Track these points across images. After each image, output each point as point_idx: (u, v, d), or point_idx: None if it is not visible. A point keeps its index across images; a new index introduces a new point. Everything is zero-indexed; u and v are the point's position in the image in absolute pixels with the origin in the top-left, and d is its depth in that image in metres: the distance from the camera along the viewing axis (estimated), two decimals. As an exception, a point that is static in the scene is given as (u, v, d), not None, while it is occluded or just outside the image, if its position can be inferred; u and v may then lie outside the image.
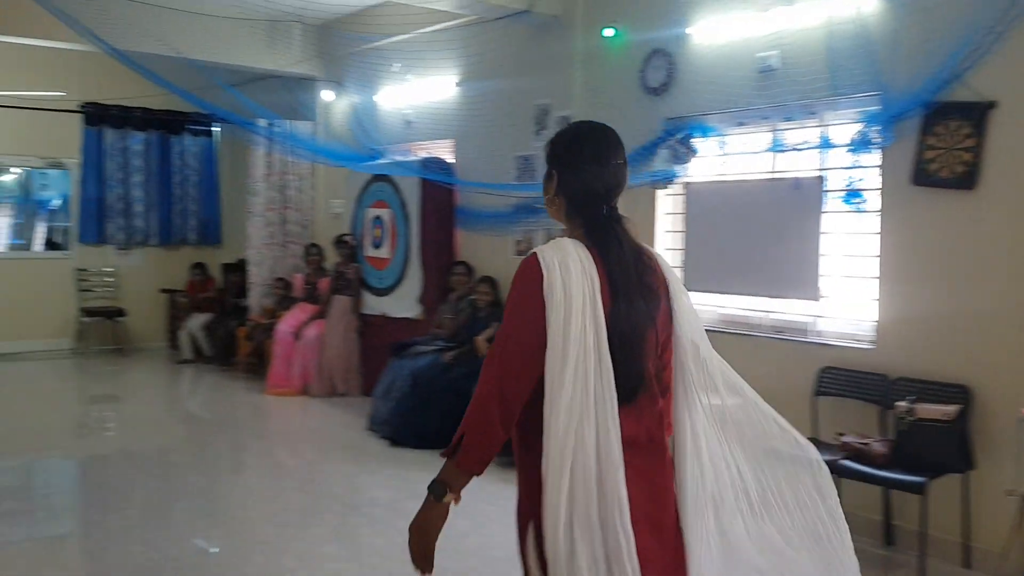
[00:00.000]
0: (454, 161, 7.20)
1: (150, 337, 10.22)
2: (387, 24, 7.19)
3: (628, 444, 1.82)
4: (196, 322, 9.29)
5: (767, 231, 4.90)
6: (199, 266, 9.82)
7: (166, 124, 10.13)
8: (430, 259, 7.16)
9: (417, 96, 7.56)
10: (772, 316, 4.98)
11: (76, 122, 9.60)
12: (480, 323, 6.26)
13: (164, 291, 10.16)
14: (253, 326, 8.47)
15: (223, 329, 8.92)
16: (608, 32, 5.64)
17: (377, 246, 7.77)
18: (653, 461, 1.90)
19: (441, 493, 1.84)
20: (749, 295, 5.09)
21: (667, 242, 5.54)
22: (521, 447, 1.92)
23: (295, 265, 8.81)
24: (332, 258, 8.14)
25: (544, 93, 6.21)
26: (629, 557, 1.75)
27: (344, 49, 8.11)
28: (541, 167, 6.19)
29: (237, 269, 9.46)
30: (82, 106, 9.54)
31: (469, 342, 6.21)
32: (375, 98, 8.06)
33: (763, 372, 4.84)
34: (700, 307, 5.39)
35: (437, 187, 7.00)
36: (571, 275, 1.82)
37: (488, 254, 6.76)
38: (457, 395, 5.85)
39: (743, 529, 1.96)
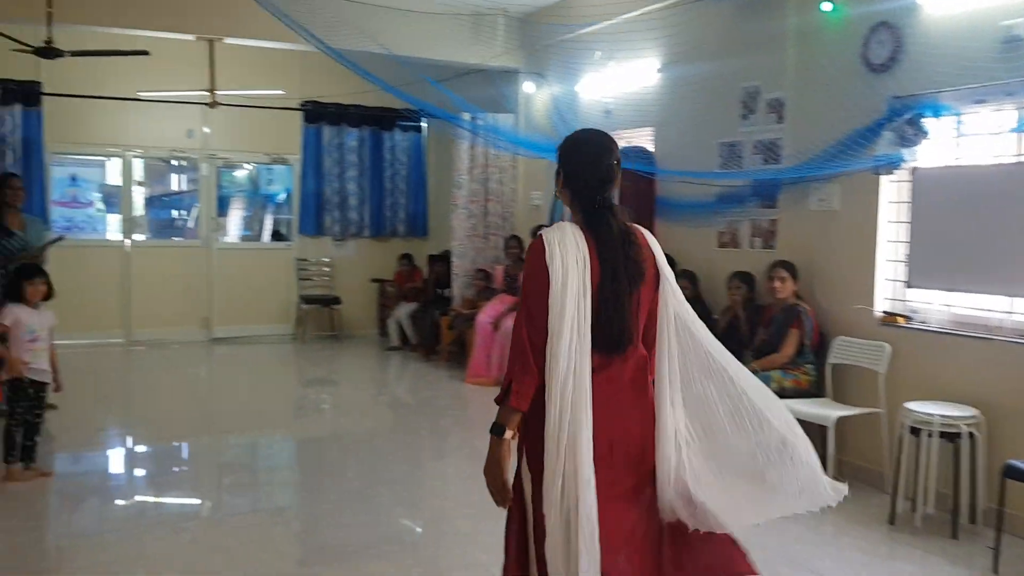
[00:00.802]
0: (654, 149, 6.98)
1: (362, 324, 10.74)
2: (589, 11, 7.07)
3: (611, 383, 2.32)
4: (403, 311, 9.64)
5: (1012, 222, 4.32)
6: (406, 257, 10.19)
7: (378, 120, 10.57)
8: (629, 251, 6.99)
9: (618, 84, 7.40)
10: (1015, 318, 4.41)
11: (297, 120, 10.22)
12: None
13: (375, 281, 10.64)
14: (455, 316, 8.66)
15: (428, 318, 9.19)
16: (826, 6, 5.20)
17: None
18: (632, 399, 2.37)
19: (501, 432, 2.35)
20: (988, 294, 4.54)
21: (890, 234, 5.06)
22: None
23: (496, 256, 8.91)
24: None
25: (753, 75, 5.86)
26: (587, 464, 2.22)
27: (546, 39, 8.08)
28: (747, 154, 5.83)
29: (441, 260, 9.72)
30: (302, 104, 10.14)
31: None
32: (575, 88, 7.98)
33: (1006, 381, 4.31)
34: (926, 306, 4.88)
35: (636, 177, 6.81)
36: (567, 250, 2.30)
37: (689, 246, 6.49)
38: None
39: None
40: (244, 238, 11.44)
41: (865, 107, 4.98)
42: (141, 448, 6.04)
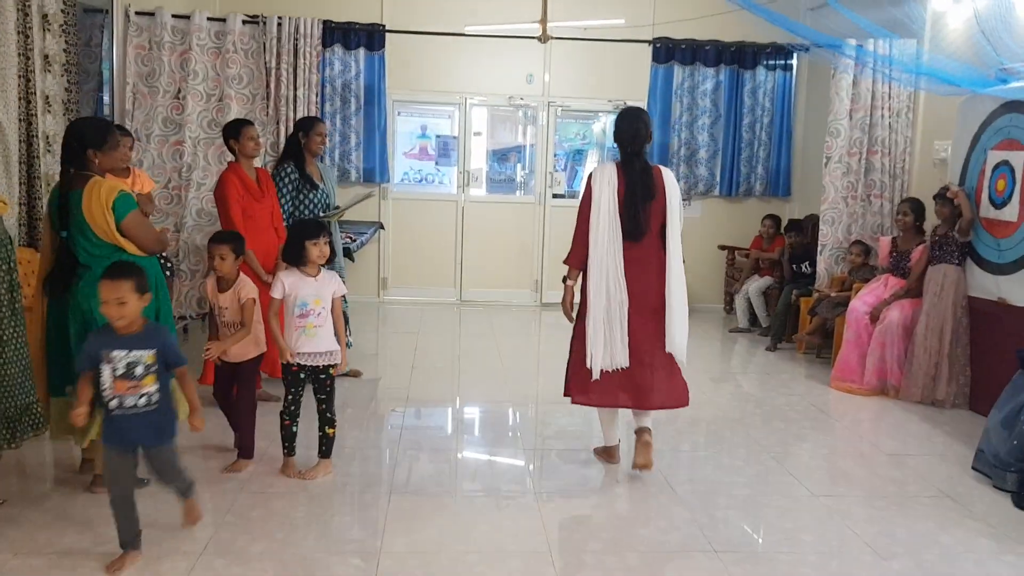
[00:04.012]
0: None
1: (704, 297, 9.30)
2: None
3: (634, 260, 4.04)
4: (754, 286, 8.03)
5: None
6: (772, 218, 8.43)
7: (739, 58, 8.93)
8: (1094, 225, 4.79)
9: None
10: None
11: (645, 61, 8.94)
12: None
13: (723, 248, 9.11)
14: (819, 298, 6.90)
15: (785, 298, 7.48)
16: None
17: (999, 204, 5.57)
18: (649, 268, 4.06)
19: (566, 280, 4.17)
20: None
21: None
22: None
23: (879, 225, 6.96)
24: (932, 219, 6.15)
25: None
26: (624, 308, 4.03)
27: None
28: None
29: (801, 227, 7.94)
30: (652, 41, 8.84)
31: None
32: (1015, -5, 5.75)
33: None
34: None
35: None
36: (604, 179, 4.05)
37: None
38: None
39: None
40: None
41: None
42: (460, 414, 5.54)
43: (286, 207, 5.42)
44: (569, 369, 4.26)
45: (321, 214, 5.58)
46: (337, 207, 5.79)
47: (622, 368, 4.03)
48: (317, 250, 3.98)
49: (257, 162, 6.76)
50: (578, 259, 4.09)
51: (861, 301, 6.14)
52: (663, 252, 4.03)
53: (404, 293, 9.21)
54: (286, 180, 5.46)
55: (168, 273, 4.39)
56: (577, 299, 4.19)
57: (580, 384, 4.15)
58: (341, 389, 4.81)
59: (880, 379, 5.91)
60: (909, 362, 5.79)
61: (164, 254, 4.36)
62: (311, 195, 5.53)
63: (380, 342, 7.58)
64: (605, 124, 10.81)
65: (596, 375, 4.03)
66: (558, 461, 4.58)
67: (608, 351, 4.01)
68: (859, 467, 4.57)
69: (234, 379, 4.30)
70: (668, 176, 4.10)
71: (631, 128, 4.07)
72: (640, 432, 4.18)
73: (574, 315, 4.18)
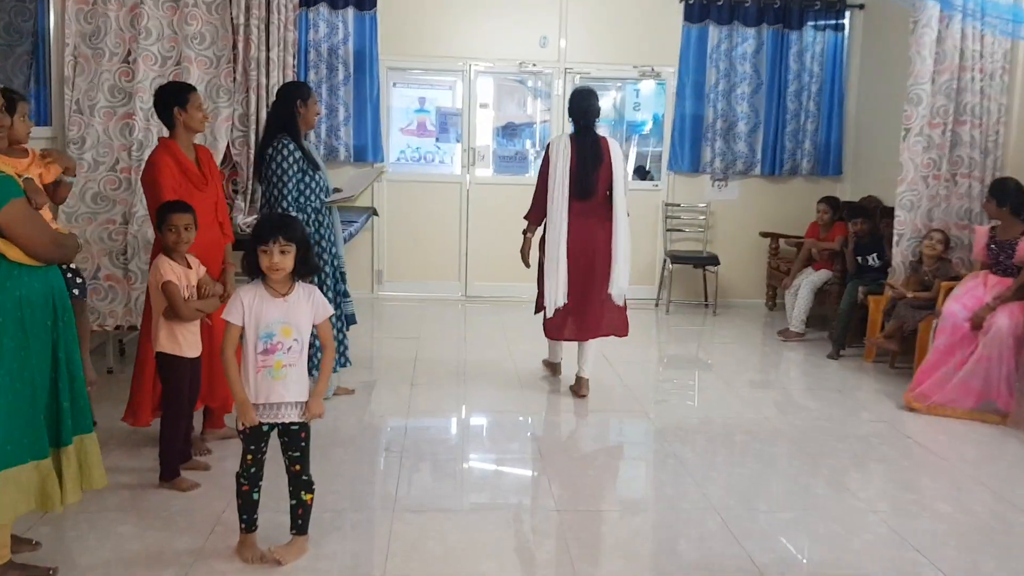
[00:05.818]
0: None
1: (743, 292, 8.23)
2: None
3: (583, 214, 4.82)
4: (809, 280, 6.92)
5: None
6: (828, 202, 7.22)
7: (783, 16, 7.80)
8: None
9: None
10: None
11: (676, 20, 7.83)
12: None
13: (765, 235, 8.01)
14: (895, 298, 5.80)
15: (849, 295, 6.36)
16: None
17: None
18: (596, 222, 4.85)
19: (524, 232, 5.07)
20: None
21: None
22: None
23: (968, 210, 5.86)
24: (1043, 202, 5.06)
25: None
26: (562, 255, 4.83)
27: None
28: None
29: (866, 212, 6.83)
30: (683, -1, 7.72)
31: None
32: None
33: None
34: None
35: None
36: (559, 148, 4.82)
37: None
38: None
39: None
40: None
41: None
42: (471, 456, 4.42)
43: (290, 194, 4.37)
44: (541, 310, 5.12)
45: (325, 199, 4.57)
46: (337, 189, 4.79)
47: (569, 306, 4.87)
48: (267, 260, 2.87)
49: (222, 139, 5.71)
50: (536, 216, 5.01)
51: (959, 304, 5.04)
52: (610, 208, 4.87)
53: (401, 288, 8.14)
54: (290, 160, 4.37)
55: (76, 292, 3.27)
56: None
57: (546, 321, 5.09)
58: (326, 412, 3.77)
59: (984, 400, 4.83)
60: (1021, 381, 4.72)
61: (71, 265, 3.25)
62: (316, 177, 4.52)
63: (374, 348, 6.50)
64: (616, 96, 9.70)
65: (550, 313, 4.92)
66: (575, 482, 3.76)
67: (555, 292, 4.84)
68: (1001, 534, 3.49)
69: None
70: (613, 145, 4.90)
71: (583, 105, 4.90)
72: (579, 379, 5.15)
73: (531, 262, 5.10)
